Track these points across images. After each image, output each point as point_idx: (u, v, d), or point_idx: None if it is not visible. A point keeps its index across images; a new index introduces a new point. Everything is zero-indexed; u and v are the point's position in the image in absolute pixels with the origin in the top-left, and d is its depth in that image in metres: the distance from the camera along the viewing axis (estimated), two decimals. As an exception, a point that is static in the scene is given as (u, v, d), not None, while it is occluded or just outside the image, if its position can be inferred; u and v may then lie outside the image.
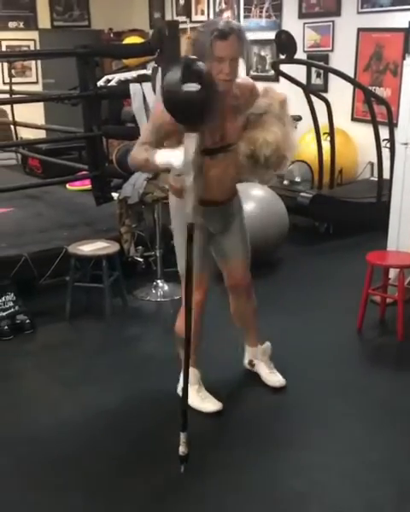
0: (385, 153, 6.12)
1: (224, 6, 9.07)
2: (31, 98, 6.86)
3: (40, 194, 6.17)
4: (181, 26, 5.36)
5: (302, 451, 2.95)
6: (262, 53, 8.59)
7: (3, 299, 4.19)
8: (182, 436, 2.78)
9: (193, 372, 3.26)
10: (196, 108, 2.53)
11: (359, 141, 7.26)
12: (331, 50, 7.57)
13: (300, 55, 6.76)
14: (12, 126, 7.81)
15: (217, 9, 9.16)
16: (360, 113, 7.26)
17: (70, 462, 2.89)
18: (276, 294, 4.74)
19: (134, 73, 6.48)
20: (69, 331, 4.30)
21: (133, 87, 4.97)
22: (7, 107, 8.06)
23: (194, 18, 9.40)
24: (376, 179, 6.31)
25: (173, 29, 4.91)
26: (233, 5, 8.90)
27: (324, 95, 6.53)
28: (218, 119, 2.81)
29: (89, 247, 4.40)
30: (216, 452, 2.94)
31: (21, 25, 10.12)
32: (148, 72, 5.49)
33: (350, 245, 5.81)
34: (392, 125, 5.92)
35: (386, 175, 5.98)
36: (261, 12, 8.46)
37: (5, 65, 8.85)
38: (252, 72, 8.74)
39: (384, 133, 6.10)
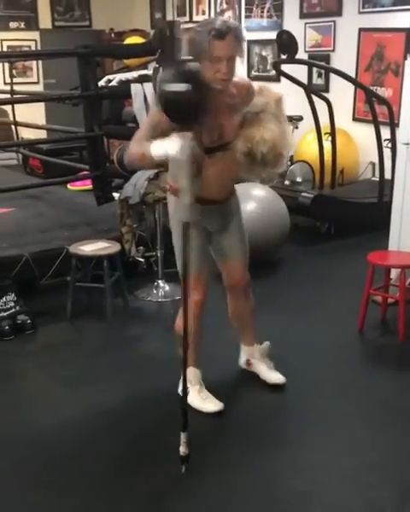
0: (387, 153, 6.12)
1: (225, 6, 9.07)
2: (32, 98, 6.86)
3: (41, 194, 6.17)
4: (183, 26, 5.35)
5: (303, 451, 2.95)
6: (263, 53, 8.59)
7: (4, 299, 4.19)
8: (182, 436, 2.77)
9: (194, 372, 3.27)
10: (185, 108, 2.55)
11: (360, 141, 7.25)
12: (333, 50, 7.57)
13: (301, 55, 6.74)
14: (13, 126, 7.80)
15: (218, 9, 9.16)
16: (362, 113, 7.26)
17: (71, 461, 2.89)
18: (277, 294, 4.73)
19: (135, 73, 6.47)
20: (70, 331, 4.30)
21: (134, 87, 4.97)
22: (8, 108, 8.05)
23: (195, 18, 9.40)
24: (377, 179, 6.31)
25: (174, 29, 4.91)
26: (234, 5, 8.90)
27: (325, 95, 6.53)
28: (211, 118, 2.82)
29: (90, 247, 4.40)
30: (216, 452, 2.94)
31: (22, 25, 10.12)
32: (149, 72, 5.49)
33: (351, 245, 5.80)
34: (393, 124, 5.92)
35: (387, 175, 5.97)
36: (263, 12, 8.46)
37: (6, 65, 8.83)
38: (253, 72, 8.74)
39: (386, 133, 6.09)
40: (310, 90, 6.46)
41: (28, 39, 10.08)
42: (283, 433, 3.09)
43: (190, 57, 2.82)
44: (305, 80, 7.24)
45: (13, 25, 10.04)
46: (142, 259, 4.87)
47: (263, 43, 8.50)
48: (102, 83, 5.72)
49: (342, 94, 7.24)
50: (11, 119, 7.52)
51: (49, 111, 9.81)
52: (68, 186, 7.04)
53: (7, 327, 4.07)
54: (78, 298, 4.39)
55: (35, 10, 10.21)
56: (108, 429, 3.13)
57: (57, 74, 9.63)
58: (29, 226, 5.21)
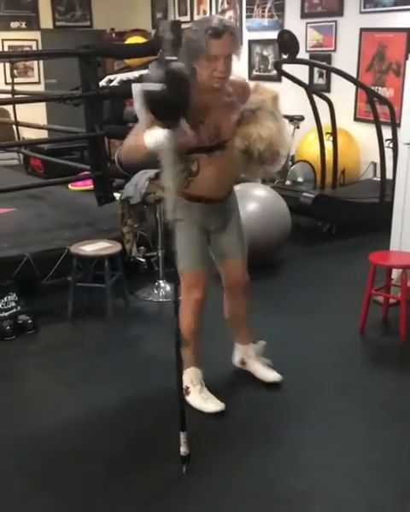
0: (388, 153, 6.11)
1: (226, 6, 9.07)
2: (33, 98, 6.85)
3: (42, 194, 6.17)
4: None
5: (304, 451, 2.95)
6: (265, 53, 8.59)
7: (5, 299, 4.19)
8: (182, 436, 2.77)
9: (195, 372, 3.27)
10: (160, 106, 2.56)
11: (361, 141, 7.25)
12: (334, 50, 7.56)
13: (302, 54, 6.75)
14: (14, 126, 7.80)
15: (219, 9, 9.16)
16: (363, 113, 7.26)
17: (71, 461, 2.89)
18: (278, 295, 4.73)
19: (136, 73, 6.48)
20: (71, 331, 4.30)
21: (135, 87, 4.95)
22: (9, 108, 8.04)
23: (195, 18, 9.40)
24: (378, 179, 6.31)
25: (175, 29, 4.91)
26: (235, 5, 8.89)
27: (326, 95, 6.52)
28: (207, 116, 2.85)
29: (91, 248, 4.39)
30: (217, 452, 2.93)
31: (23, 25, 10.13)
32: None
33: (353, 245, 5.80)
34: (395, 125, 5.92)
35: (389, 175, 5.97)
36: (264, 12, 8.46)
37: (7, 65, 8.84)
38: (254, 72, 8.74)
39: (387, 133, 6.09)
40: (311, 89, 6.46)
41: (29, 39, 10.09)
42: (283, 432, 3.09)
43: (179, 56, 2.83)
44: (306, 80, 7.23)
45: (14, 25, 10.05)
46: (143, 259, 4.87)
47: (264, 42, 8.50)
48: (103, 83, 5.73)
49: (343, 94, 7.24)
50: (12, 119, 7.52)
51: (50, 111, 9.82)
52: (69, 186, 7.05)
53: (8, 327, 4.07)
54: (79, 298, 4.39)
55: (36, 10, 10.22)
56: (109, 429, 3.13)
57: (58, 74, 9.63)
58: (30, 226, 5.21)
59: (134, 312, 4.51)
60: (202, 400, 3.22)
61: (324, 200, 6.05)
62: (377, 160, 6.37)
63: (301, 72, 6.95)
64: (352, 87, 7.02)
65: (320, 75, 7.74)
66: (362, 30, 7.15)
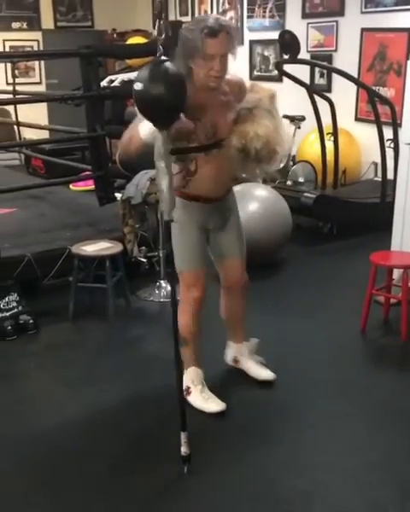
0: (389, 153, 6.11)
1: (227, 6, 9.07)
2: (34, 98, 6.87)
3: (43, 194, 6.18)
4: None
5: (304, 451, 2.95)
6: (266, 53, 8.59)
7: (7, 299, 4.19)
8: (182, 436, 2.78)
9: (196, 372, 3.27)
10: (144, 106, 2.54)
11: (362, 141, 7.25)
12: (335, 50, 7.56)
13: (303, 55, 6.76)
14: (15, 127, 7.81)
15: (220, 9, 9.16)
16: (364, 113, 7.26)
17: (72, 461, 2.90)
18: (279, 294, 4.74)
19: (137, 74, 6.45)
20: (72, 331, 4.30)
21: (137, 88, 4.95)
22: (10, 108, 8.06)
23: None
24: (380, 179, 6.31)
25: (177, 29, 4.91)
26: (236, 5, 8.90)
27: (327, 95, 6.51)
28: (205, 115, 2.85)
29: (92, 248, 4.40)
30: (217, 452, 2.94)
31: (25, 25, 10.13)
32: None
33: (354, 245, 5.80)
34: (396, 125, 5.92)
35: (390, 175, 5.96)
36: (265, 12, 8.46)
37: (9, 65, 8.85)
38: (255, 72, 8.75)
39: (388, 133, 6.09)
40: (312, 90, 6.46)
41: (30, 39, 10.09)
42: (284, 432, 3.09)
43: (176, 55, 2.82)
44: (307, 80, 7.23)
45: (15, 25, 10.05)
46: (144, 260, 4.88)
47: (265, 43, 8.50)
48: (104, 83, 5.73)
49: (344, 94, 7.23)
50: (14, 119, 7.53)
51: (51, 111, 9.82)
52: (71, 186, 7.06)
53: (9, 327, 4.08)
54: (80, 298, 4.40)
55: (37, 10, 10.22)
56: (110, 429, 3.14)
57: (59, 74, 9.63)
58: (31, 226, 5.22)
59: (135, 312, 4.52)
60: (203, 400, 3.22)
61: (325, 200, 6.05)
62: (379, 160, 6.38)
63: (302, 72, 6.94)
64: (353, 87, 7.02)
65: (321, 75, 7.74)
66: (363, 30, 7.15)
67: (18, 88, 7.13)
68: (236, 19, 8.90)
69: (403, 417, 3.19)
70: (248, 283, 3.41)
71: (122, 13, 10.45)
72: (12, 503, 2.65)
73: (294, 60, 5.99)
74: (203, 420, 3.13)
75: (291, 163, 7.35)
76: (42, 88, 10.23)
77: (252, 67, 8.78)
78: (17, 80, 7.71)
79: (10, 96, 6.85)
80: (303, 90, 6.27)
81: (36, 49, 10.03)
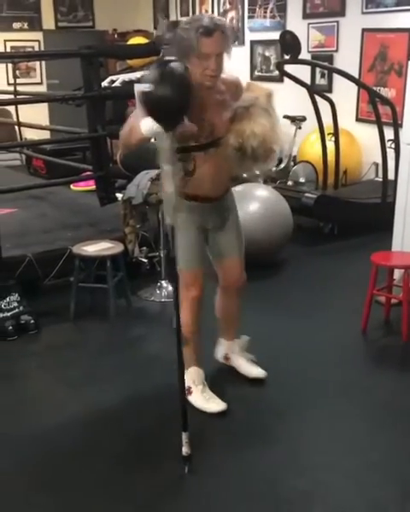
0: (390, 153, 6.12)
1: (228, 6, 9.07)
2: (35, 99, 6.86)
3: (44, 194, 6.18)
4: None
5: (305, 451, 2.95)
6: (266, 53, 8.59)
7: (8, 299, 4.19)
8: (184, 436, 2.78)
9: (197, 371, 3.27)
10: (152, 107, 2.55)
11: (363, 141, 7.25)
12: (336, 51, 7.56)
13: (304, 55, 6.76)
14: (16, 127, 7.82)
15: (221, 10, 9.17)
16: (365, 114, 7.26)
17: (73, 461, 2.90)
18: (280, 295, 4.74)
19: (138, 74, 6.47)
20: (73, 331, 4.30)
21: (137, 88, 4.95)
22: (11, 108, 8.06)
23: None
24: (380, 180, 6.31)
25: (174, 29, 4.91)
26: (237, 5, 8.90)
27: (328, 95, 6.52)
28: (202, 114, 2.85)
29: (93, 248, 4.40)
30: (218, 452, 2.94)
31: (26, 25, 10.13)
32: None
33: (355, 245, 5.80)
34: (397, 125, 5.91)
35: (391, 175, 5.96)
36: (266, 12, 8.46)
37: (10, 66, 8.86)
38: (256, 73, 8.75)
39: (389, 133, 6.09)
40: (313, 90, 6.47)
41: (31, 40, 10.09)
42: (284, 432, 3.09)
43: (177, 55, 2.83)
44: (308, 81, 7.23)
45: (16, 25, 10.05)
46: (145, 260, 4.88)
47: (266, 43, 8.50)
48: (105, 83, 5.73)
49: (345, 94, 7.24)
50: (14, 119, 7.53)
51: (52, 111, 9.83)
52: (72, 186, 7.06)
53: (10, 327, 4.08)
54: (81, 298, 4.40)
55: (38, 11, 10.22)
56: (111, 429, 3.14)
57: (60, 75, 9.63)
58: (32, 226, 5.22)
59: (136, 312, 4.52)
60: (205, 400, 3.23)
61: (326, 200, 6.05)
62: (379, 161, 6.37)
63: (303, 72, 6.95)
64: (354, 87, 7.02)
65: (322, 75, 7.74)
66: (364, 30, 7.15)
67: (19, 88, 7.13)
68: (237, 19, 8.91)
69: (404, 417, 3.19)
70: (246, 283, 3.41)
71: (123, 13, 10.45)
72: (13, 502, 2.65)
73: (295, 60, 5.99)
74: (204, 420, 3.13)
75: (292, 163, 7.36)
76: (43, 88, 10.23)
77: (253, 68, 8.79)
78: (18, 80, 7.71)
79: (11, 96, 6.84)
80: (304, 90, 6.27)
81: (37, 49, 10.04)
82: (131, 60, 8.18)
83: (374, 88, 6.67)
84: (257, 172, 3.10)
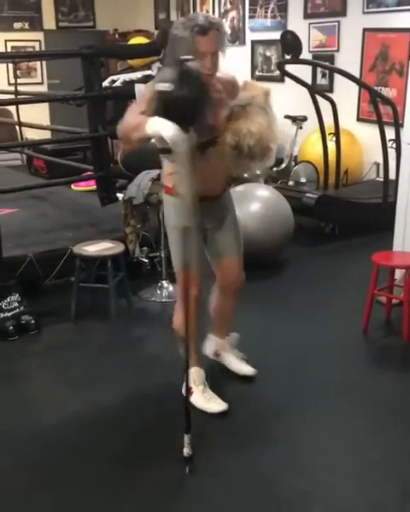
0: (391, 153, 6.11)
1: (229, 6, 9.07)
2: (36, 99, 6.87)
3: (45, 194, 6.18)
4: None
5: (305, 451, 2.95)
6: (267, 53, 8.59)
7: (9, 299, 4.19)
8: (186, 437, 2.78)
9: (198, 372, 3.27)
10: (170, 107, 2.52)
11: (364, 141, 7.25)
12: (337, 50, 7.56)
13: (305, 55, 6.76)
14: (17, 127, 7.82)
15: (222, 10, 9.17)
16: (366, 114, 7.26)
17: (73, 461, 2.90)
18: (281, 295, 4.74)
19: (139, 74, 6.49)
20: (74, 331, 4.30)
21: (138, 88, 4.96)
22: (12, 108, 8.06)
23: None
24: (382, 180, 6.31)
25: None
26: (238, 5, 8.90)
27: (329, 95, 6.52)
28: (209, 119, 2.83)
29: (94, 248, 4.40)
30: (218, 452, 2.93)
31: (26, 25, 10.14)
32: (153, 72, 5.50)
33: (356, 245, 5.80)
34: (398, 125, 5.91)
35: (392, 175, 5.96)
36: (267, 12, 8.46)
37: (10, 65, 8.86)
38: (257, 73, 8.75)
39: (390, 133, 6.09)
40: (314, 90, 6.46)
41: (32, 40, 10.10)
42: (285, 432, 3.09)
43: (172, 54, 2.81)
44: (309, 80, 7.23)
45: (17, 25, 10.06)
46: (146, 260, 4.88)
47: (267, 43, 8.50)
48: (106, 83, 5.73)
49: (346, 94, 7.23)
50: (15, 119, 7.53)
51: (53, 111, 9.83)
52: (72, 186, 7.06)
53: (11, 327, 4.08)
54: (82, 298, 4.40)
55: (39, 11, 10.22)
56: (111, 429, 3.14)
57: (61, 75, 9.64)
58: (33, 226, 5.22)
59: (137, 313, 4.52)
60: (205, 400, 3.22)
61: (327, 200, 6.05)
62: (380, 161, 6.37)
63: (304, 72, 6.96)
64: (355, 87, 7.02)
65: (323, 75, 7.74)
66: (365, 30, 7.15)
67: (20, 88, 7.13)
68: (237, 19, 8.91)
69: (405, 417, 3.19)
70: (245, 283, 3.40)
71: (124, 13, 10.45)
72: (13, 500, 2.65)
73: (296, 60, 5.99)
74: (205, 420, 3.12)
75: (293, 163, 7.36)
76: (44, 88, 10.24)
77: (254, 68, 8.79)
78: (19, 80, 7.71)
79: (12, 96, 6.84)
80: (305, 90, 6.27)
81: (38, 49, 10.05)
82: (131, 60, 8.19)
83: (375, 88, 6.66)
84: (258, 172, 3.09)
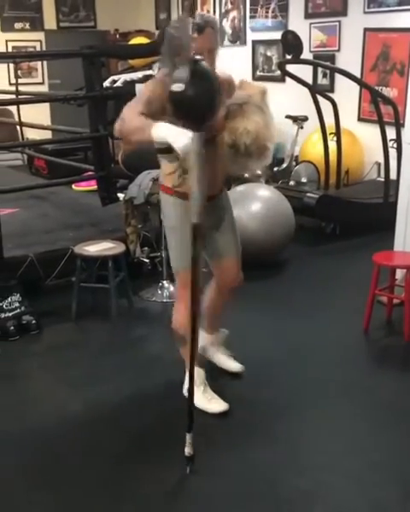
0: (392, 153, 6.11)
1: (230, 6, 9.07)
2: (37, 99, 6.87)
3: (46, 194, 6.18)
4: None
5: (306, 451, 2.95)
6: (268, 53, 8.59)
7: (9, 299, 4.19)
8: (187, 437, 2.78)
9: (198, 372, 3.26)
10: (183, 107, 2.53)
11: (365, 141, 7.25)
12: (338, 50, 7.56)
13: (306, 55, 6.75)
14: (18, 127, 7.82)
15: (223, 10, 9.17)
16: (367, 114, 7.25)
17: (74, 461, 2.90)
18: (282, 294, 4.73)
19: (140, 74, 6.49)
20: (75, 332, 4.30)
21: (139, 88, 4.96)
22: (13, 108, 8.06)
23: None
24: (382, 180, 6.30)
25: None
26: (239, 5, 8.90)
27: (330, 95, 6.52)
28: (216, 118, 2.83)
29: (95, 248, 4.40)
30: (219, 452, 2.93)
31: (27, 26, 10.14)
32: (154, 72, 5.49)
33: (357, 245, 5.80)
34: (399, 125, 5.91)
35: (393, 175, 5.96)
36: (267, 12, 8.46)
37: (11, 66, 8.86)
38: (258, 73, 8.74)
39: (391, 133, 6.09)
40: (315, 90, 6.46)
41: (33, 40, 10.10)
42: (286, 432, 3.09)
43: (168, 53, 2.81)
44: (310, 80, 7.23)
45: (18, 25, 10.06)
46: (146, 260, 4.88)
47: (268, 43, 8.50)
48: (106, 83, 5.73)
49: (347, 94, 7.23)
50: (16, 119, 7.53)
51: (54, 111, 9.84)
52: (73, 186, 7.06)
53: (12, 327, 4.08)
54: (82, 298, 4.40)
55: (40, 11, 10.23)
56: (112, 429, 3.14)
57: (62, 75, 9.65)
58: (34, 227, 5.22)
59: (138, 313, 4.52)
60: (206, 401, 3.22)
61: (328, 200, 6.05)
62: (381, 161, 6.37)
63: (305, 72, 6.95)
64: (356, 87, 7.02)
65: (324, 75, 7.74)
66: (366, 30, 7.15)
67: (21, 88, 7.13)
68: (238, 19, 8.91)
69: (406, 418, 3.19)
70: (243, 283, 3.39)
71: (125, 13, 10.46)
72: (14, 500, 2.66)
73: (296, 60, 5.99)
74: (205, 420, 3.12)
75: (294, 163, 7.36)
76: (44, 88, 10.24)
77: (255, 68, 8.78)
78: (20, 80, 7.71)
79: (13, 96, 6.84)
80: (306, 90, 6.27)
81: (38, 49, 10.05)
82: (132, 60, 8.19)
83: (376, 87, 6.66)
84: (258, 172, 3.08)
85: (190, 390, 2.85)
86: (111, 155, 5.56)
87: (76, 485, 2.74)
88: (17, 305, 4.20)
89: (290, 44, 5.93)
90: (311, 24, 7.79)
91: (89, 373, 3.69)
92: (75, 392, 3.49)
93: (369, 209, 6.23)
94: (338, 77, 7.22)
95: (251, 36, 8.79)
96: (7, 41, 9.84)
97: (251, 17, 8.75)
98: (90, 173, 5.67)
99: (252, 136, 2.84)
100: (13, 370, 3.73)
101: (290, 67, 6.24)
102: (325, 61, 7.05)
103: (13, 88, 7.17)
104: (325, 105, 6.26)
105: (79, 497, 2.67)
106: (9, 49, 9.84)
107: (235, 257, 3.30)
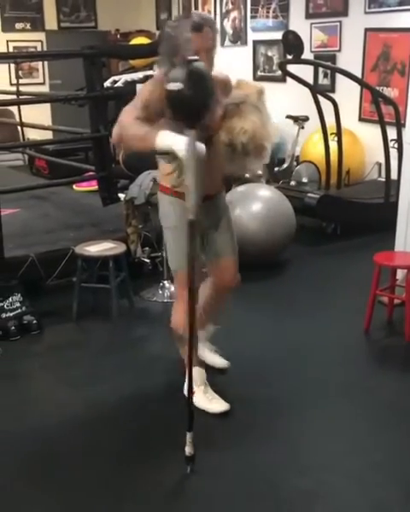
0: (393, 153, 6.11)
1: (231, 6, 9.07)
2: (38, 99, 6.88)
3: (47, 194, 6.18)
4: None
5: (307, 451, 2.95)
6: (269, 53, 8.58)
7: (10, 299, 4.20)
8: (188, 436, 2.78)
9: (199, 372, 3.27)
10: (181, 106, 2.53)
11: (366, 141, 7.25)
12: (339, 50, 7.56)
13: (307, 55, 6.75)
14: (19, 127, 7.82)
15: (224, 10, 9.17)
16: (368, 114, 7.25)
17: (75, 461, 2.90)
18: (283, 294, 4.73)
19: (141, 74, 6.49)
20: (76, 332, 4.30)
21: (140, 88, 4.96)
22: (14, 108, 8.08)
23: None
24: (383, 180, 6.30)
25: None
26: (240, 5, 8.90)
27: (331, 95, 6.52)
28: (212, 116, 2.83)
29: (96, 248, 4.40)
30: (219, 452, 2.93)
31: (28, 26, 10.15)
32: (154, 72, 5.49)
33: (358, 245, 5.79)
34: (400, 125, 5.91)
35: (394, 175, 5.96)
36: (268, 12, 8.46)
37: (12, 66, 8.86)
38: (259, 73, 8.74)
39: (392, 133, 6.08)
40: (316, 90, 6.46)
41: (34, 40, 10.11)
42: (286, 433, 3.09)
43: (166, 53, 2.82)
44: (311, 80, 7.22)
45: (19, 26, 10.07)
46: (147, 260, 4.88)
47: (269, 43, 8.50)
48: (107, 83, 5.73)
49: (348, 94, 7.23)
50: (17, 119, 7.54)
51: (54, 112, 9.84)
52: (74, 187, 7.06)
53: (13, 327, 4.08)
54: (83, 298, 4.40)
55: (41, 11, 10.24)
56: (113, 429, 3.14)
57: (63, 75, 9.65)
58: (35, 227, 5.22)
59: (139, 313, 4.52)
60: (207, 401, 3.22)
61: (328, 200, 6.04)
62: (382, 161, 6.37)
63: (306, 72, 6.95)
64: (357, 87, 7.01)
65: (325, 75, 7.73)
66: (367, 30, 7.14)
67: (21, 88, 7.12)
68: (239, 19, 8.91)
69: (407, 417, 3.19)
70: (240, 283, 3.39)
71: (126, 13, 10.46)
72: (15, 500, 2.66)
73: (297, 60, 5.99)
74: (206, 420, 3.12)
75: (295, 163, 7.36)
76: (45, 88, 10.24)
77: (256, 68, 8.78)
78: (21, 81, 7.70)
79: (14, 96, 6.85)
80: (307, 90, 6.26)
81: (39, 49, 10.06)
82: (133, 60, 8.19)
83: (377, 88, 6.67)
84: (259, 172, 3.08)
85: (190, 388, 2.85)
86: (112, 155, 5.56)
87: (76, 485, 2.74)
88: (18, 305, 4.20)
89: (291, 44, 5.93)
90: (312, 24, 7.79)
91: (89, 373, 3.69)
92: (76, 392, 3.49)
93: (370, 209, 6.23)
94: (339, 77, 7.22)
95: (252, 36, 8.79)
96: (8, 41, 9.84)
97: (252, 17, 8.75)
98: (90, 173, 5.67)
99: (249, 136, 2.84)
100: (14, 370, 3.74)
101: (291, 67, 6.24)
102: (326, 61, 7.05)
103: (14, 88, 7.16)
104: (325, 105, 6.26)
105: (80, 496, 2.67)
106: (10, 50, 9.84)
107: (232, 257, 3.29)
